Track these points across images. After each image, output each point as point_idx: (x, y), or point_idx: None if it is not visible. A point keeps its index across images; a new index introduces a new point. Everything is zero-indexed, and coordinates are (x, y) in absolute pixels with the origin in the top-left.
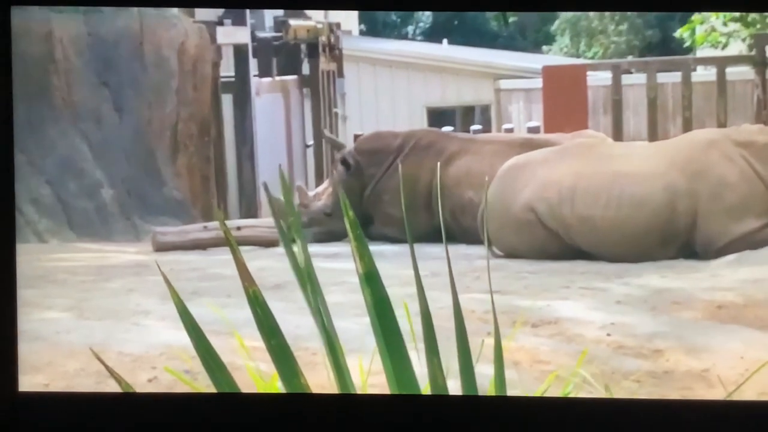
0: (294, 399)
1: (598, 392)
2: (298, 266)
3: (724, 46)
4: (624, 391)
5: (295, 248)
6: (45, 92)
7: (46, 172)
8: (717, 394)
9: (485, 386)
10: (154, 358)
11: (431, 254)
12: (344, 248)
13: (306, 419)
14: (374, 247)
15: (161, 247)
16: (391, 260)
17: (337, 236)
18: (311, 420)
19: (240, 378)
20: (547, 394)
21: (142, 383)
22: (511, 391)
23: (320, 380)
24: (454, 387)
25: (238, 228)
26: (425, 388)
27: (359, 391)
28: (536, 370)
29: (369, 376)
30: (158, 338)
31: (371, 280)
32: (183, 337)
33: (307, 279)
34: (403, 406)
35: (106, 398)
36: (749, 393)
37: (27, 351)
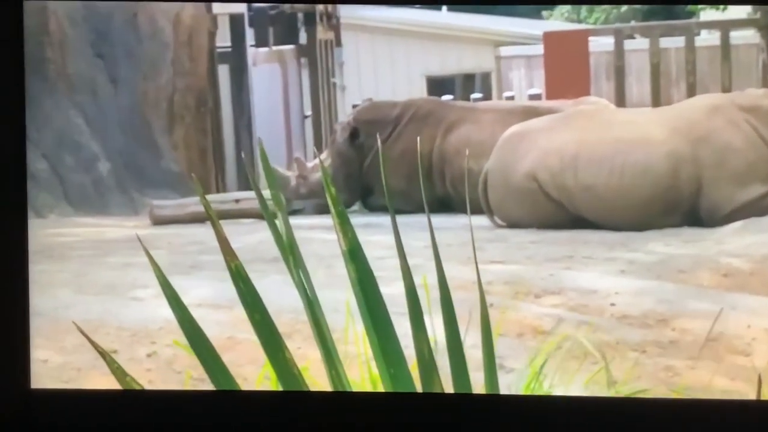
0: (283, 396)
1: (594, 358)
2: (281, 240)
3: (725, 8)
4: (629, 361)
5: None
6: (39, 65)
7: (41, 146)
8: (725, 363)
9: (478, 357)
10: (153, 332)
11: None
12: None
13: (297, 415)
14: (374, 218)
15: (159, 221)
16: (391, 231)
17: None
18: (302, 412)
19: (233, 357)
20: (546, 364)
21: (140, 358)
22: (509, 362)
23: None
24: (443, 363)
25: (236, 201)
26: (413, 364)
27: (344, 363)
28: (540, 341)
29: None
30: (157, 313)
31: (355, 256)
32: None
33: (290, 252)
34: (395, 403)
35: (117, 395)
36: (759, 361)
37: None
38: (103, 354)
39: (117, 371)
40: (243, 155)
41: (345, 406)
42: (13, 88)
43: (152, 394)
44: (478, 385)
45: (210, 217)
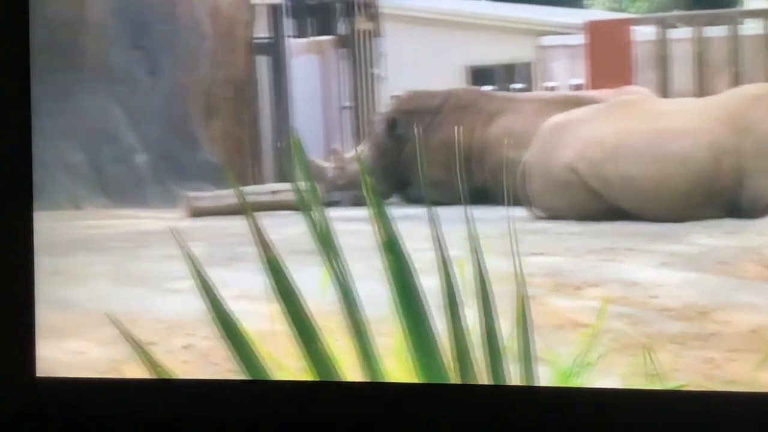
0: (317, 386)
1: (633, 350)
2: (317, 232)
3: None
4: (669, 354)
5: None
6: (75, 55)
7: (78, 138)
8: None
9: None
10: (189, 324)
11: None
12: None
13: (330, 405)
14: (413, 210)
15: (195, 213)
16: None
17: None
18: (335, 403)
19: (272, 349)
20: (586, 356)
21: (176, 350)
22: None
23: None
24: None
25: (273, 192)
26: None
27: (383, 356)
28: (579, 334)
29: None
30: (194, 305)
31: (391, 248)
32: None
33: (325, 245)
34: (429, 394)
35: (123, 383)
36: None
37: (62, 319)
38: (137, 345)
39: (149, 362)
40: (279, 144)
41: (379, 396)
42: (20, 87)
43: (159, 383)
44: (517, 377)
45: (245, 210)
